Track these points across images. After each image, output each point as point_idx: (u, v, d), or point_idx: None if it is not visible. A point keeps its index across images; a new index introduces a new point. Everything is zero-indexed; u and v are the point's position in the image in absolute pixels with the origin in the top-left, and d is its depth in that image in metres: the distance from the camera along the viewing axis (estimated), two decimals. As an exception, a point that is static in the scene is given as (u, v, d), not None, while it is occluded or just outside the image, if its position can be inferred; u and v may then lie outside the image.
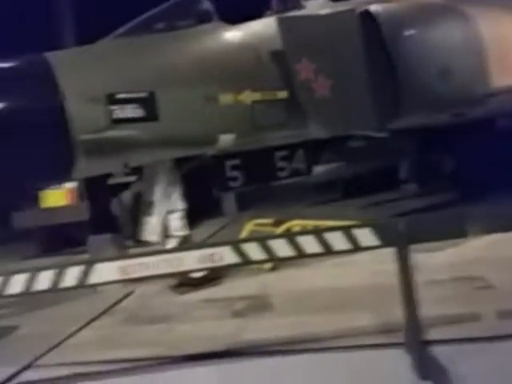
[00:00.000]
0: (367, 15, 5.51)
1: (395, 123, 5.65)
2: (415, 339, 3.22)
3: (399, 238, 3.22)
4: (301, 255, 3.45)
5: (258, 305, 4.62)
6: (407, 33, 5.54)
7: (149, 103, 4.98)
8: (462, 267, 4.76)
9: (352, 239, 3.33)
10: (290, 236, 3.48)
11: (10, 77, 4.67)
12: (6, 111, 4.41)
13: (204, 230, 7.26)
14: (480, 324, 3.68)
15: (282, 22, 5.50)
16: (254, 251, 3.38)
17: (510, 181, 6.21)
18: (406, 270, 3.23)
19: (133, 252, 4.74)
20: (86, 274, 3.17)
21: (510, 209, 4.03)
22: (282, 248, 3.37)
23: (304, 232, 3.59)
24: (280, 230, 5.57)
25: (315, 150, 6.89)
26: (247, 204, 7.92)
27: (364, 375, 3.24)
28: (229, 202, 8.14)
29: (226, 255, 3.36)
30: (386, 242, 3.26)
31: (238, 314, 4.50)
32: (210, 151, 5.72)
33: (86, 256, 5.78)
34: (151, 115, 4.98)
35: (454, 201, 6.62)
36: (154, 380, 3.53)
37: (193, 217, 5.67)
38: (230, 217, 7.35)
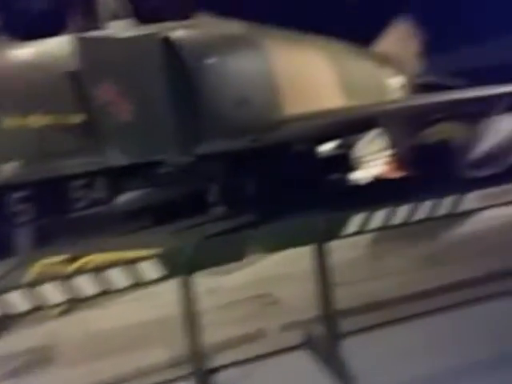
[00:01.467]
0: (169, 41, 5.53)
1: (197, 149, 5.76)
2: (200, 369, 3.22)
3: (182, 266, 3.21)
4: (77, 299, 3.19)
5: (43, 357, 4.12)
6: (207, 61, 5.71)
7: None
8: (254, 286, 4.98)
9: (136, 273, 3.21)
10: (65, 278, 3.17)
11: None
12: None
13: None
14: (265, 340, 3.88)
15: (80, 42, 5.19)
16: (20, 299, 3.01)
17: (301, 201, 6.88)
18: (187, 299, 3.23)
19: None
20: None
21: (299, 226, 4.30)
22: (55, 293, 3.08)
23: (82, 271, 3.32)
24: (73, 267, 5.13)
25: (120, 176, 6.65)
26: (43, 240, 7.16)
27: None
28: (22, 239, 7.23)
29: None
30: (170, 272, 3.21)
31: (16, 372, 3.95)
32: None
33: None
34: None
35: (256, 222, 7.05)
36: None
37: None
38: (22, 257, 6.54)
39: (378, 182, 5.84)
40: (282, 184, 7.71)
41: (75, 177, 5.80)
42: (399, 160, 6.47)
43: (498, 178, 4.92)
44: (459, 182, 5.26)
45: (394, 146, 6.46)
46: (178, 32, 5.59)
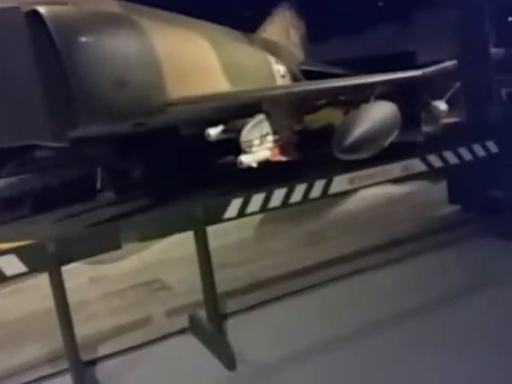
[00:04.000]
0: (35, 16, 5.05)
1: (74, 132, 5.40)
2: (75, 362, 3.12)
3: (49, 260, 3.04)
4: None
5: None
6: (80, 39, 5.28)
7: None
8: (142, 272, 4.93)
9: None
10: None
11: None
12: None
13: None
14: (150, 327, 3.85)
15: None
16: None
17: (188, 184, 6.88)
18: (59, 292, 3.09)
19: None
20: None
21: (177, 213, 4.15)
22: None
23: None
24: None
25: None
26: None
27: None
28: None
29: None
30: (34, 267, 3.03)
31: None
32: None
33: None
34: None
35: (146, 206, 6.90)
36: None
37: None
38: None
39: (262, 166, 6.05)
40: (168, 168, 7.61)
41: None
42: (282, 145, 6.72)
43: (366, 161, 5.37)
44: (334, 165, 5.64)
45: (277, 130, 6.68)
46: (46, 6, 5.12)
